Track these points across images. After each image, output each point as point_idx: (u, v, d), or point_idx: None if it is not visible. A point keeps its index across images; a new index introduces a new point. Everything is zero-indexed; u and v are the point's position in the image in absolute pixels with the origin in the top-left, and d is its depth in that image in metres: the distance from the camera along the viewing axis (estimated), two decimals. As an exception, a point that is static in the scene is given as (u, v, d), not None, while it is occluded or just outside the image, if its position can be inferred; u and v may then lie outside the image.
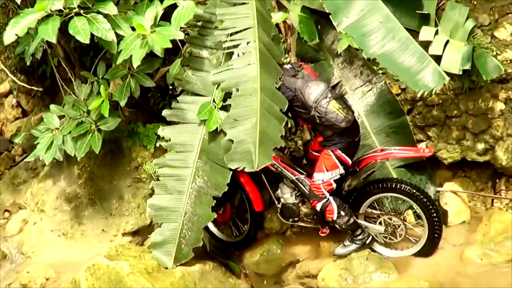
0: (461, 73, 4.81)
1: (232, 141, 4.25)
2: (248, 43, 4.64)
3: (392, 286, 4.51)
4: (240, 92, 4.41)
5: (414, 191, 4.76)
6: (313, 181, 4.87)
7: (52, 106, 5.69)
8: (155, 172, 5.59)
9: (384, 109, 5.31)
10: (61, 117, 5.61)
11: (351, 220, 4.91)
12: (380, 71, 5.33)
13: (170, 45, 4.70)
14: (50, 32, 4.55)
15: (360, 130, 4.89)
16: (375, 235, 5.09)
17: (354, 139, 4.80)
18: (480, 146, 5.24)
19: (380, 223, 5.05)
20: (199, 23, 5.22)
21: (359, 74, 5.40)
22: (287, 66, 4.85)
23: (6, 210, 6.68)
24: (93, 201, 5.98)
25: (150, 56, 4.88)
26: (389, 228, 5.03)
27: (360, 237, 4.97)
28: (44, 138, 5.52)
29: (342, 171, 4.77)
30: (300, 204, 5.22)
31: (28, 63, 5.74)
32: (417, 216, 4.97)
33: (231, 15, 4.79)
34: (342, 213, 4.86)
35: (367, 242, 4.98)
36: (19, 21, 4.65)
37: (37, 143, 5.57)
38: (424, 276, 4.53)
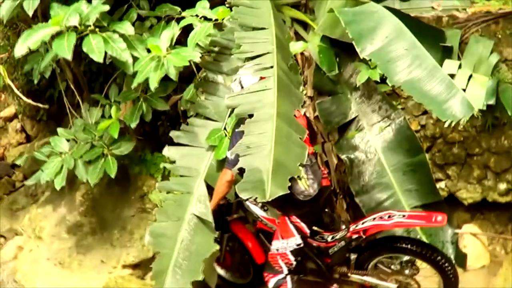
0: (485, 108, 4.67)
1: (243, 171, 3.82)
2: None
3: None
4: (254, 118, 4.08)
5: (424, 252, 4.37)
6: (270, 251, 4.48)
7: (59, 130, 5.56)
8: (161, 202, 5.41)
9: (402, 146, 5.11)
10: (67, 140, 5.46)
11: None
12: (399, 106, 5.20)
13: (187, 63, 4.61)
14: (65, 49, 4.42)
15: (322, 202, 4.48)
16: None
17: (314, 209, 4.40)
18: (502, 186, 5.12)
19: (391, 280, 4.63)
20: (216, 49, 5.10)
21: (378, 109, 5.24)
22: None
23: (1, 236, 6.49)
24: (93, 230, 5.77)
25: (164, 80, 4.75)
26: (401, 285, 4.60)
27: None
28: (52, 162, 5.33)
29: (299, 241, 4.30)
30: (304, 261, 4.78)
31: (35, 82, 5.65)
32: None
33: (249, 39, 4.60)
34: None
35: None
36: (32, 34, 4.57)
37: (41, 167, 5.39)
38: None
